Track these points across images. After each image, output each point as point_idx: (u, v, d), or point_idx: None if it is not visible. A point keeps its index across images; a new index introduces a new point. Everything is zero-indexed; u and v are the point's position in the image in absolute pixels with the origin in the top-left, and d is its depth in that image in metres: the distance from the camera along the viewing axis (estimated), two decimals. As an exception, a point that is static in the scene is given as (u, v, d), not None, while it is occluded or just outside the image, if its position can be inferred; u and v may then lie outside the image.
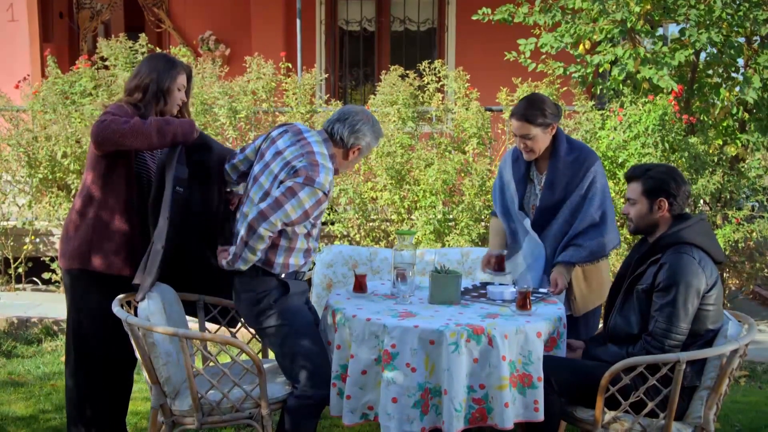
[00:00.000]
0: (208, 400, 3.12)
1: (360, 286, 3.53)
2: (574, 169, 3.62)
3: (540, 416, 3.02)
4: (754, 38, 6.47)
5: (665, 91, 5.91)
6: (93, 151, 3.33)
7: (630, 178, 3.33)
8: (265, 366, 3.30)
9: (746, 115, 6.34)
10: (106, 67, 7.00)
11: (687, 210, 3.32)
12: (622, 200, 6.08)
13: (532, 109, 3.59)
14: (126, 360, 3.48)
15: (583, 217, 3.60)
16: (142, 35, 7.14)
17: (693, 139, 6.03)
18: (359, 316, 3.09)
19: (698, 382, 3.12)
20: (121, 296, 3.25)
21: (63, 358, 5.20)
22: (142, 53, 6.93)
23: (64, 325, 5.75)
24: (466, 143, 6.43)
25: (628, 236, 5.97)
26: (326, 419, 4.02)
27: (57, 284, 6.75)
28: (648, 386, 2.98)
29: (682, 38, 6.15)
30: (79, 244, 3.34)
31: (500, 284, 3.59)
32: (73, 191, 6.62)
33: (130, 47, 6.97)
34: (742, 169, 6.39)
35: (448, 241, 6.07)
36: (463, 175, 6.29)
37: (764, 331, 6.05)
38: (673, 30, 10.15)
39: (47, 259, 6.70)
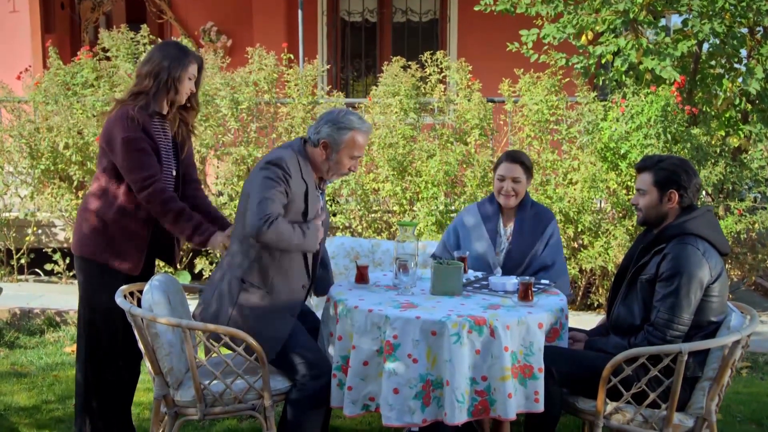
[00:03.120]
0: (210, 391, 3.13)
1: (362, 277, 3.53)
2: (536, 222, 3.90)
3: (540, 407, 3.02)
4: (757, 29, 6.45)
5: (668, 82, 5.89)
6: (119, 157, 3.35)
7: (641, 168, 3.31)
8: (268, 357, 3.30)
9: (749, 106, 6.33)
10: (108, 58, 6.99)
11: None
12: (623, 191, 6.08)
13: (520, 154, 3.94)
14: (135, 352, 3.49)
15: (539, 261, 3.84)
16: (144, 26, 7.12)
17: (695, 130, 6.01)
18: (361, 307, 3.09)
19: (700, 373, 3.12)
20: (124, 287, 3.26)
21: (66, 349, 5.23)
22: (144, 44, 6.92)
23: (67, 316, 5.77)
24: (468, 134, 6.42)
25: (630, 228, 5.98)
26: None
27: (59, 275, 6.76)
28: (650, 377, 2.99)
29: (685, 29, 6.13)
30: (102, 241, 3.39)
31: (502, 275, 3.59)
32: (75, 182, 6.63)
33: (131, 38, 6.95)
34: (745, 160, 6.38)
35: (450, 232, 6.07)
36: (465, 166, 6.29)
37: (766, 322, 6.05)
38: (675, 21, 10.10)
39: (49, 250, 6.71)
